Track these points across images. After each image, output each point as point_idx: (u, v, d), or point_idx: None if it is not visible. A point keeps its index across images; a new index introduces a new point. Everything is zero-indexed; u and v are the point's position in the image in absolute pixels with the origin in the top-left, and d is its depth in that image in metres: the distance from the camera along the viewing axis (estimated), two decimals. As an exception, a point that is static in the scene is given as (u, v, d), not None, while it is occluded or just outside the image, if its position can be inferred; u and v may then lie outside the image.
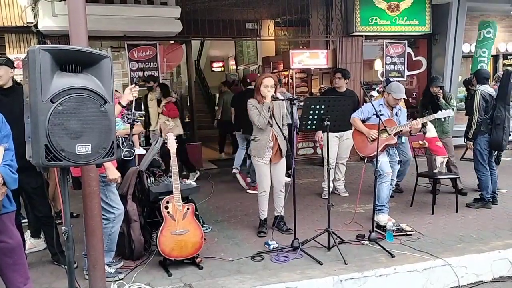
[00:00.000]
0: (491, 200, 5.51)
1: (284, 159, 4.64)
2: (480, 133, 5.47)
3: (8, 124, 2.94)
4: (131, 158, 3.67)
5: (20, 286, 3.05)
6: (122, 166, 3.87)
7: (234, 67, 14.90)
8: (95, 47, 7.94)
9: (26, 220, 4.41)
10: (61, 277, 3.56)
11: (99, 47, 8.66)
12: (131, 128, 3.49)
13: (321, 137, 6.10)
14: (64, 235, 2.55)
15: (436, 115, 4.95)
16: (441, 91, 5.87)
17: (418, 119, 4.81)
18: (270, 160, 4.57)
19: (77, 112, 2.27)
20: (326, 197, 4.98)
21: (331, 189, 4.59)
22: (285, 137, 4.52)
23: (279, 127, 4.53)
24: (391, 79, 6.45)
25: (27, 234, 4.31)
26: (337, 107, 4.13)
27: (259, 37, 10.97)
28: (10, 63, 3.73)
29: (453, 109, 5.52)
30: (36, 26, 6.83)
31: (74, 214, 4.97)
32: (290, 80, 10.10)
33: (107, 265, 3.56)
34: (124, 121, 3.71)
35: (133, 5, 7.31)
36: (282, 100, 4.64)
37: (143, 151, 4.87)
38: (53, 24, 6.60)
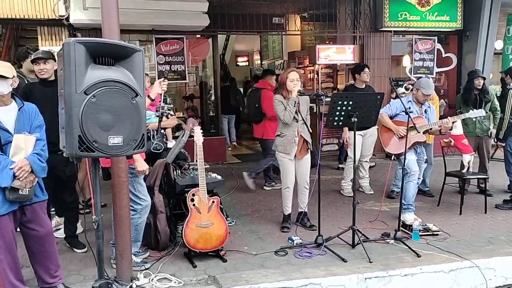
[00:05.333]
0: (522, 202, 5.36)
1: (309, 155, 4.61)
2: (510, 134, 5.31)
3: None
4: (161, 151, 3.72)
5: (51, 273, 3.16)
6: (151, 159, 3.93)
7: (259, 61, 14.84)
8: (124, 40, 8.04)
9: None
10: (90, 265, 3.65)
11: (127, 40, 8.77)
12: (160, 121, 3.53)
13: (349, 137, 6.04)
14: (94, 224, 2.61)
15: (467, 115, 4.83)
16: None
17: (448, 117, 4.71)
18: (295, 156, 4.55)
19: (109, 104, 2.32)
20: (349, 195, 4.94)
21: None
22: (309, 130, 4.49)
23: (304, 122, 4.50)
24: (423, 76, 6.35)
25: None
26: (365, 103, 4.07)
27: (285, 31, 10.90)
28: (54, 57, 3.83)
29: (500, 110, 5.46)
30: (67, 19, 6.96)
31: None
32: (316, 76, 10.01)
33: (134, 254, 3.62)
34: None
35: (161, -1, 7.37)
36: (308, 95, 4.62)
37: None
38: (84, 17, 6.72)
